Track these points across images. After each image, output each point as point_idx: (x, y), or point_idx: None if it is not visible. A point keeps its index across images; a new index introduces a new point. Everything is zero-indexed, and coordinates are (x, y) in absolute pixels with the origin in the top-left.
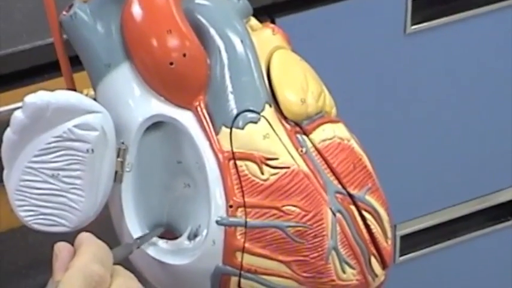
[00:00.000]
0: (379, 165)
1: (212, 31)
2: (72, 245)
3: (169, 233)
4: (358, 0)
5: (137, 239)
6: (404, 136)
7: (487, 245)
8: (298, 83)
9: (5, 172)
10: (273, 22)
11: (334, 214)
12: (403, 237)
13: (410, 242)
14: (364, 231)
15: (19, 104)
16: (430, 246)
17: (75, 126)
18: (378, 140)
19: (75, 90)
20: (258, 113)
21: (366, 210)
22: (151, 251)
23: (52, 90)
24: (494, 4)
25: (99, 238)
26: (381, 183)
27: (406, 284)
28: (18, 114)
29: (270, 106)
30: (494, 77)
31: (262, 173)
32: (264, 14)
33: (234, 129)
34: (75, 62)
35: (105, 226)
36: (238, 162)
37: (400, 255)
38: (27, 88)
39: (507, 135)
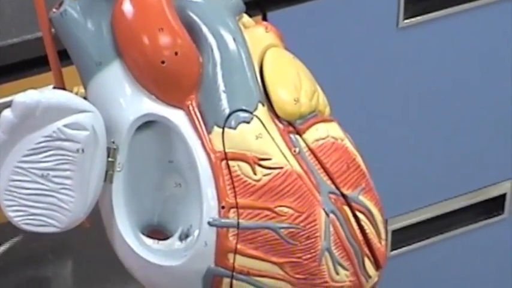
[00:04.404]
0: (371, 159)
1: (204, 29)
2: None
3: (160, 233)
4: None
5: None
6: (397, 130)
7: (479, 239)
8: (292, 82)
9: None
10: (264, 16)
11: (327, 215)
12: (395, 232)
13: (402, 237)
14: (358, 232)
15: (9, 99)
16: (422, 240)
17: (65, 125)
18: (370, 134)
19: (64, 88)
20: (251, 113)
21: (359, 211)
22: (141, 252)
23: (42, 86)
24: None
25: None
26: (373, 178)
27: (398, 279)
28: (7, 114)
29: (263, 105)
30: (487, 72)
31: (255, 174)
32: (256, 8)
33: (226, 129)
34: (65, 57)
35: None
36: (231, 163)
37: (392, 250)
38: (17, 82)
39: (500, 129)
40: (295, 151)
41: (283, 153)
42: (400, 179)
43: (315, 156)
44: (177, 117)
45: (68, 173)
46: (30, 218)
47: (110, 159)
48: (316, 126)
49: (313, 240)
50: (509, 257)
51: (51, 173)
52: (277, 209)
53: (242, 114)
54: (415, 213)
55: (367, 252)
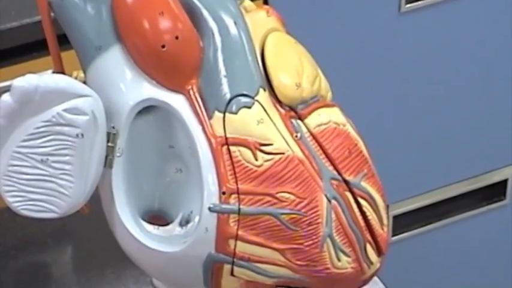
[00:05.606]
0: (372, 145)
1: (205, 13)
2: None
3: (161, 219)
4: None
5: None
6: (398, 116)
7: (480, 225)
8: (293, 67)
9: None
10: (266, 1)
11: (329, 201)
12: (396, 217)
13: (403, 222)
14: (360, 218)
15: (7, 83)
16: (423, 226)
17: (64, 110)
18: (371, 120)
19: (64, 73)
20: (252, 98)
21: (361, 197)
22: (141, 238)
23: (42, 70)
24: None
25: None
26: (374, 164)
27: (399, 264)
28: (5, 98)
29: (264, 90)
30: (489, 56)
31: (256, 159)
32: None
33: (227, 114)
34: (64, 41)
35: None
36: (232, 148)
37: (393, 236)
38: (16, 67)
39: (501, 114)
40: (296, 136)
41: (284, 139)
42: (401, 164)
43: (317, 141)
44: (177, 102)
45: (67, 158)
46: (29, 204)
47: (109, 144)
48: (318, 111)
49: (314, 226)
50: (510, 243)
51: (51, 158)
52: (278, 195)
53: (243, 99)
54: (417, 199)
55: (369, 238)
